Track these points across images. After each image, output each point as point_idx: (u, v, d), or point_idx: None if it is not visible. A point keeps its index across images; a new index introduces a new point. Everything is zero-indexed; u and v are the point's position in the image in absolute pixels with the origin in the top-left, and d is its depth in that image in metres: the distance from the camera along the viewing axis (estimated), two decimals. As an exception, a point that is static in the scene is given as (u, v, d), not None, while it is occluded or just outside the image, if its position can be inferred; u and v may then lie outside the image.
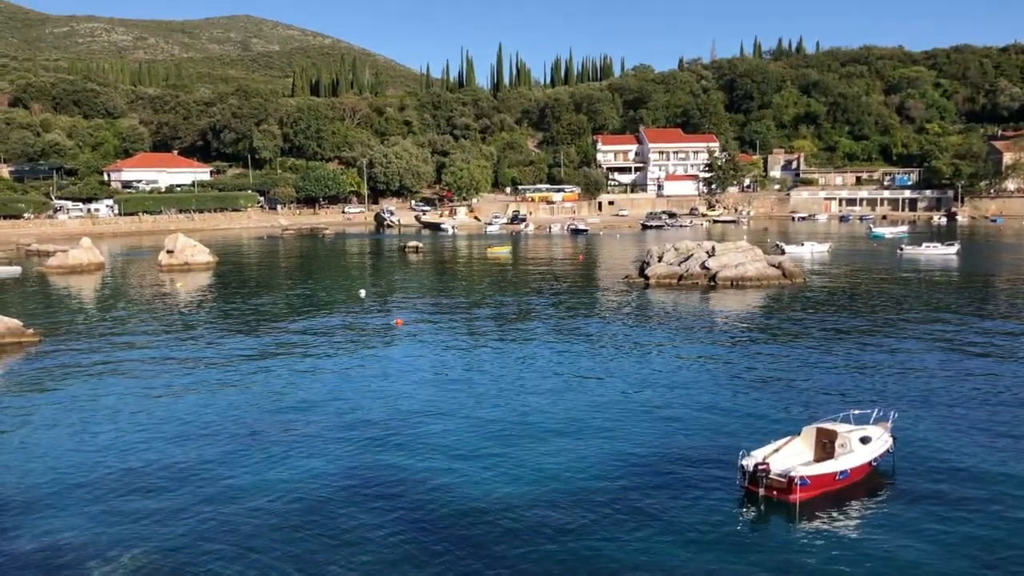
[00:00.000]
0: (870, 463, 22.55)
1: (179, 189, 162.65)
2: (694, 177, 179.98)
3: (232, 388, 33.01)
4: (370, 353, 39.68)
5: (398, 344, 41.82)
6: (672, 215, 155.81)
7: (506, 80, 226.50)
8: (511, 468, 23.70)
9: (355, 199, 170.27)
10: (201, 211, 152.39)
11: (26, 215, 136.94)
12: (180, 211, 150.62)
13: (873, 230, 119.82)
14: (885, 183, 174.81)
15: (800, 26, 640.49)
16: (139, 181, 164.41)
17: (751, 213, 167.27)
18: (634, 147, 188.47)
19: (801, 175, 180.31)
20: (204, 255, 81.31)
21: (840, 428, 23.05)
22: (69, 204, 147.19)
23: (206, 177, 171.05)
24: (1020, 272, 71.10)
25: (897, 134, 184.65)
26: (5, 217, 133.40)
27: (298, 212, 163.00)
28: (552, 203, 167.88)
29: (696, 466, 23.61)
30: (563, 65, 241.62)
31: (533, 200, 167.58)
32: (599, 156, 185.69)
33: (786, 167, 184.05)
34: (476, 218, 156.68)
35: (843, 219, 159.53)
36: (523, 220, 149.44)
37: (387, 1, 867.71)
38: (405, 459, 24.55)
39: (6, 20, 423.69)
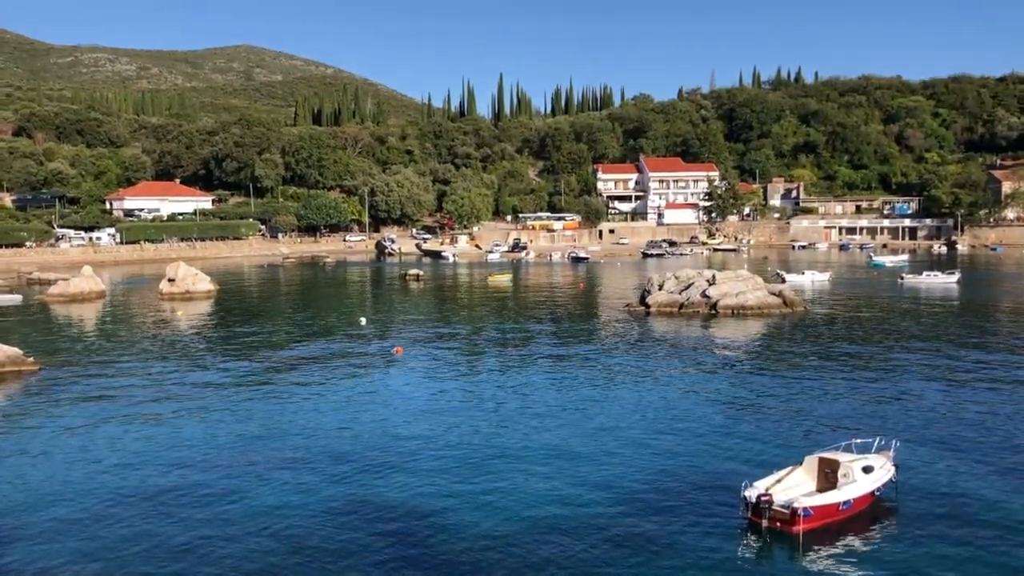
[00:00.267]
0: (873, 493, 22.39)
1: (181, 217, 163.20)
2: (694, 206, 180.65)
3: (232, 417, 32.87)
4: (370, 381, 39.56)
5: (398, 372, 41.72)
6: (673, 243, 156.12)
7: (507, 109, 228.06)
8: (510, 496, 23.53)
9: (356, 227, 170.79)
10: (203, 239, 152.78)
11: (28, 243, 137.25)
12: (182, 239, 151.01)
13: (873, 259, 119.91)
14: (885, 212, 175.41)
15: (799, 56, 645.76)
16: (141, 210, 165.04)
17: (751, 242, 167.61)
18: (634, 176, 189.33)
19: (801, 204, 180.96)
20: (205, 283, 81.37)
21: (842, 457, 22.90)
22: (71, 232, 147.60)
23: (208, 206, 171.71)
24: (1021, 301, 71.05)
25: (896, 163, 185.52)
26: (7, 246, 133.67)
27: (299, 240, 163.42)
28: (553, 231, 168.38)
29: (698, 496, 23.45)
30: (563, 95, 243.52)
31: (534, 228, 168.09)
32: (599, 185, 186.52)
33: (786, 196, 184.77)
34: (477, 246, 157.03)
35: (843, 248, 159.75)
36: (524, 248, 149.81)
37: (389, 32, 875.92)
38: (403, 487, 24.37)
39: (11, 51, 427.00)
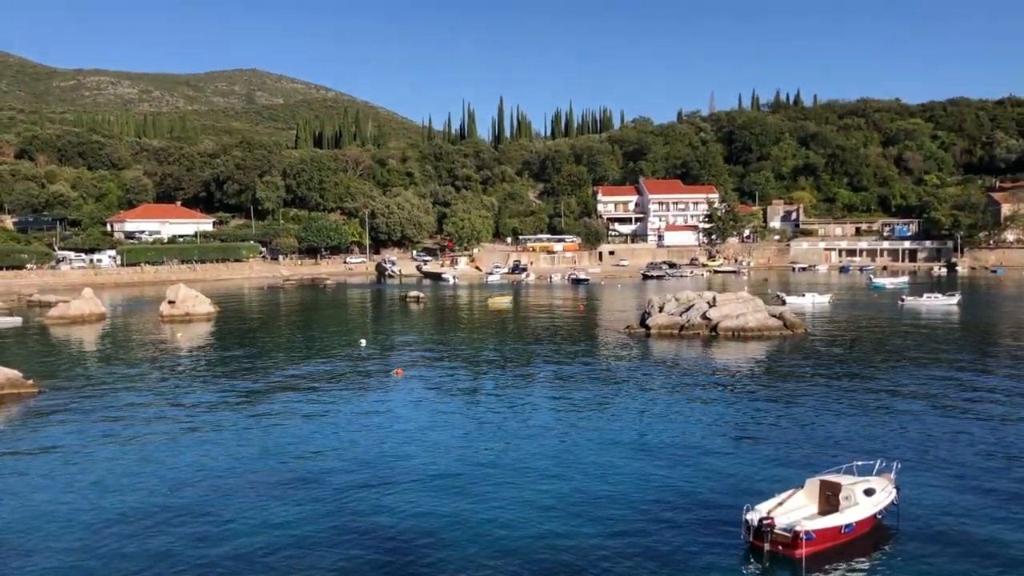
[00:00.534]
0: (875, 516, 22.27)
1: (181, 240, 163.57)
2: (694, 228, 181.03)
3: (232, 440, 32.75)
4: (370, 404, 39.45)
5: (398, 394, 41.61)
6: (672, 265, 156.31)
7: (507, 132, 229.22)
8: (508, 517, 23.40)
9: (357, 249, 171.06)
10: (203, 261, 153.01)
11: (28, 266, 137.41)
12: (182, 261, 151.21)
13: (873, 281, 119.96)
14: (885, 234, 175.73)
15: (797, 79, 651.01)
16: (142, 232, 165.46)
17: (751, 263, 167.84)
18: (634, 198, 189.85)
19: (801, 226, 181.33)
20: (205, 306, 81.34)
21: (844, 480, 22.78)
22: (72, 255, 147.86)
23: (209, 228, 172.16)
24: (1022, 323, 70.99)
25: (896, 185, 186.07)
26: (8, 268, 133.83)
27: (300, 262, 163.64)
28: (553, 253, 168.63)
29: (698, 519, 23.32)
30: (563, 117, 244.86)
31: (534, 250, 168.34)
32: (599, 207, 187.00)
33: (786, 218, 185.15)
34: (477, 268, 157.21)
35: (843, 270, 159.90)
36: (524, 270, 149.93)
37: (390, 56, 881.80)
38: (402, 508, 24.25)
39: (14, 74, 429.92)
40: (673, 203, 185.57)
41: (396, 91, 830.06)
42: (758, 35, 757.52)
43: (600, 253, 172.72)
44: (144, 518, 23.97)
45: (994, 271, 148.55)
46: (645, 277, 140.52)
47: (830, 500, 22.51)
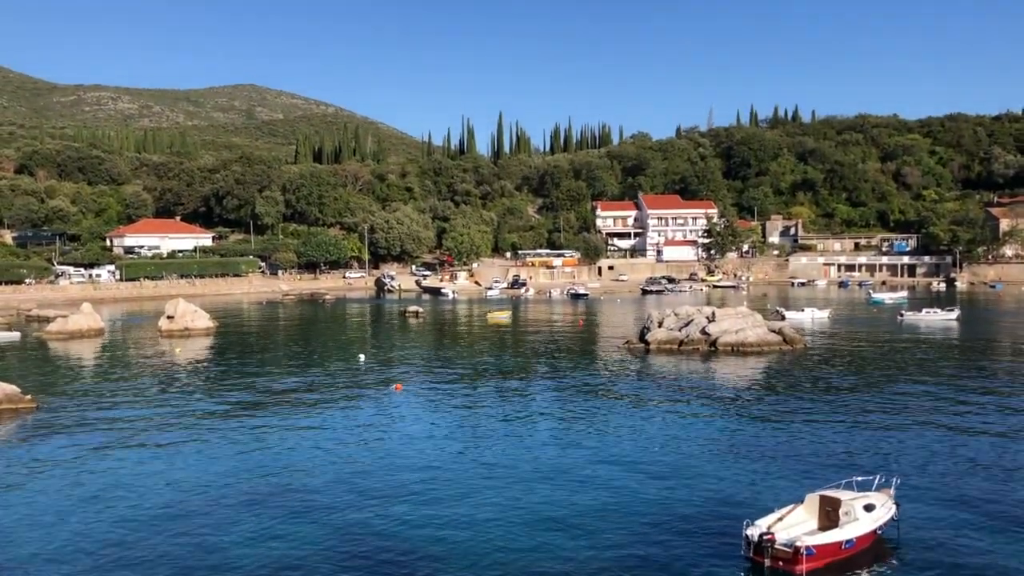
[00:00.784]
0: (875, 532, 22.21)
1: (181, 255, 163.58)
2: (693, 243, 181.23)
3: (228, 455, 32.67)
4: (369, 419, 39.38)
5: (397, 410, 41.54)
6: (672, 280, 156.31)
7: (506, 147, 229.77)
8: (506, 535, 23.33)
9: (356, 264, 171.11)
10: (202, 276, 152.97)
11: (27, 280, 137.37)
12: (181, 276, 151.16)
13: (872, 296, 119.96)
14: (883, 249, 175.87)
15: (795, 94, 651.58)
16: (141, 247, 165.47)
17: (750, 278, 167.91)
18: (633, 213, 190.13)
19: (799, 241, 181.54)
20: (204, 320, 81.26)
21: (844, 495, 22.73)
22: (71, 270, 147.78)
23: (208, 243, 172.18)
24: (1021, 338, 70.98)
25: (894, 200, 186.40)
26: (7, 283, 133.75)
27: (299, 277, 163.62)
28: (552, 268, 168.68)
29: (698, 534, 23.25)
30: (562, 133, 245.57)
31: (533, 265, 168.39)
32: (598, 222, 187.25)
33: (784, 233, 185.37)
34: (476, 283, 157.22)
35: (842, 284, 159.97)
36: (523, 285, 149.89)
37: (390, 71, 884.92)
38: (400, 521, 24.19)
39: (15, 89, 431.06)
40: (672, 218, 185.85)
41: (396, 106, 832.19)
42: (756, 51, 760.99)
43: (599, 268, 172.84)
44: (140, 532, 23.89)
45: (993, 286, 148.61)
46: (644, 292, 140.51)
47: (830, 515, 22.45)
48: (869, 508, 22.38)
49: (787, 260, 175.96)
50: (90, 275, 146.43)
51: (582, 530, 23.75)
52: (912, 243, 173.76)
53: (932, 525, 23.86)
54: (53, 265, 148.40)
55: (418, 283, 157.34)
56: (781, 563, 20.69)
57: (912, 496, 25.78)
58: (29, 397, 42.53)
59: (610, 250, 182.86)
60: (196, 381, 51.45)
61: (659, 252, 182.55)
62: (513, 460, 31.38)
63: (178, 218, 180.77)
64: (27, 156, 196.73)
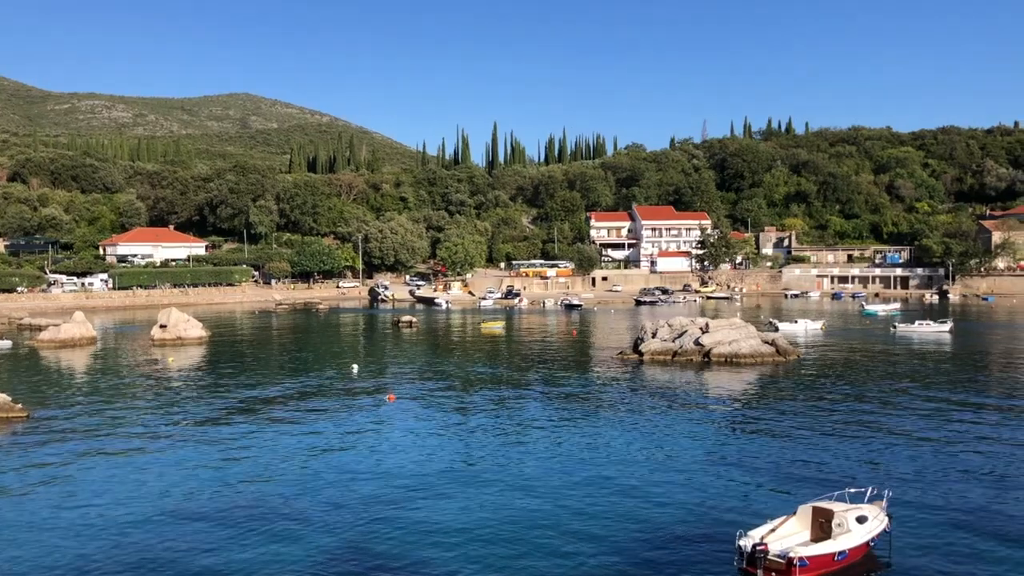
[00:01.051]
0: (867, 543, 22.20)
1: (174, 264, 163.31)
2: (687, 254, 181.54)
3: (221, 465, 32.56)
4: (361, 429, 39.27)
5: (390, 420, 41.44)
6: (665, 291, 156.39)
7: (501, 158, 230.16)
8: (499, 542, 23.26)
9: (350, 274, 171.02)
10: (196, 285, 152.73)
11: (19, 289, 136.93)
12: (174, 285, 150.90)
13: (866, 308, 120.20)
14: (876, 261, 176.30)
15: (789, 107, 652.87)
16: (134, 255, 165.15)
17: (744, 290, 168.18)
18: (627, 224, 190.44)
19: (793, 252, 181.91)
20: (197, 330, 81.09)
21: (836, 507, 22.73)
22: (63, 278, 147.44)
23: (201, 252, 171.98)
24: (1013, 351, 71.20)
25: (887, 213, 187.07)
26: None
27: (292, 287, 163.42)
28: (546, 278, 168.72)
29: (690, 545, 23.22)
30: (557, 143, 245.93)
31: (527, 275, 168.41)
32: (592, 232, 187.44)
33: (778, 244, 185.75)
34: (470, 293, 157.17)
35: (835, 296, 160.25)
36: (517, 295, 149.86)
37: (385, 81, 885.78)
38: (393, 534, 24.09)
39: (9, 97, 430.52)
40: (666, 229, 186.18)
41: (390, 116, 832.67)
42: (750, 63, 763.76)
43: (593, 278, 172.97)
44: (131, 541, 23.76)
45: (985, 299, 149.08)
46: (638, 303, 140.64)
47: (822, 527, 22.45)
48: (861, 520, 22.39)
49: (780, 272, 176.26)
50: (83, 284, 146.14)
51: (573, 541, 23.69)
52: (905, 255, 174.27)
53: (925, 538, 23.86)
54: (46, 273, 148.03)
55: (412, 293, 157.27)
56: (774, 574, 20.68)
57: (904, 508, 25.79)
58: (20, 406, 42.32)
59: (604, 261, 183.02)
60: (188, 391, 51.27)
61: (653, 263, 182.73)
62: (505, 469, 31.33)
63: (172, 227, 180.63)
64: (20, 164, 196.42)
